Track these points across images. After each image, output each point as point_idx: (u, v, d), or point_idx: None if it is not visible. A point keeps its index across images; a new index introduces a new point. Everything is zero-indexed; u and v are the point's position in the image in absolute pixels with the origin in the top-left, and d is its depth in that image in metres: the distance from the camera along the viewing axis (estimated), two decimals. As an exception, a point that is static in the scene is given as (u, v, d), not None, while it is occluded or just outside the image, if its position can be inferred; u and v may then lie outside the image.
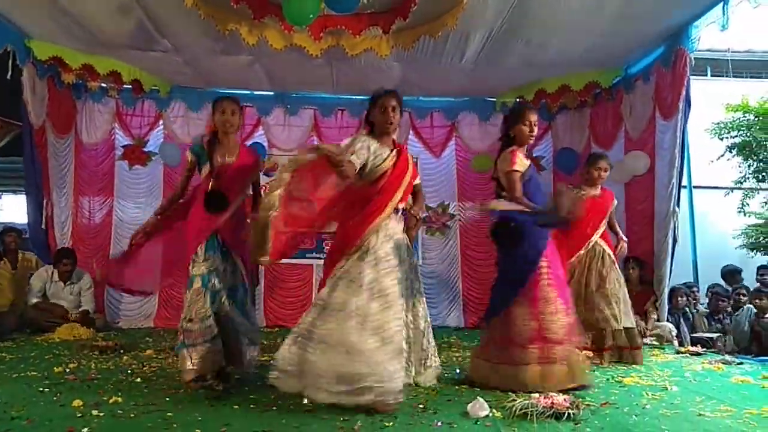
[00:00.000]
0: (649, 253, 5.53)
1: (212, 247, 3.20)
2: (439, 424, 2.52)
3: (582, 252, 4.32)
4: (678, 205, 5.36)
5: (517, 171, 3.37)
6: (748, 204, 8.26)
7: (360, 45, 5.18)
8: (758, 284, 5.93)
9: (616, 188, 5.23)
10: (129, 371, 3.66)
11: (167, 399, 2.92)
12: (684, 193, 5.89)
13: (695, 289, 6.13)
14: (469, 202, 7.21)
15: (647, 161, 5.68)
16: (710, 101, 7.68)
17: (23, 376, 3.46)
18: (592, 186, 4.43)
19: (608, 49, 5.62)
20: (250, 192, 3.54)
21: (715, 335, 5.42)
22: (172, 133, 6.87)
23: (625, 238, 4.62)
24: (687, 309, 5.78)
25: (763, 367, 4.06)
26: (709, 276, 6.42)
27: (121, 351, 4.41)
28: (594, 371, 3.73)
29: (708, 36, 5.17)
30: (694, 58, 5.15)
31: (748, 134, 7.84)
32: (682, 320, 5.62)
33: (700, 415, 2.73)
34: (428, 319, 3.40)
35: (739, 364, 4.19)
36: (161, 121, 6.92)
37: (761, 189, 8.32)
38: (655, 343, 5.11)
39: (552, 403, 2.63)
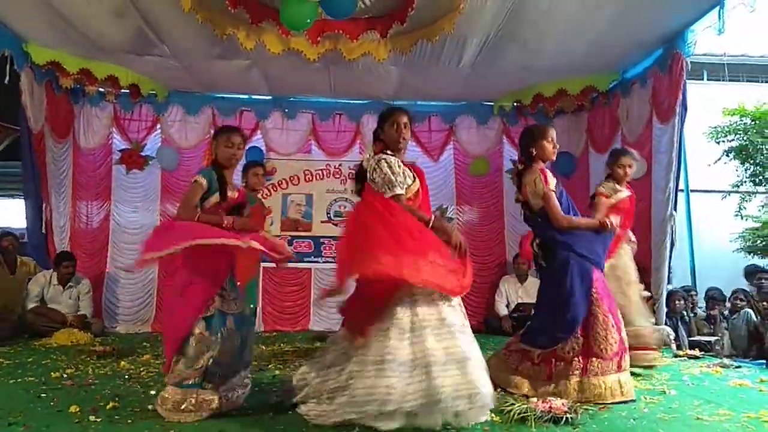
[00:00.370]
0: (646, 256, 5.53)
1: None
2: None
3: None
4: (675, 209, 5.37)
5: (553, 191, 3.32)
6: (745, 207, 8.27)
7: (357, 49, 5.20)
8: (755, 288, 5.95)
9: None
10: (126, 376, 3.65)
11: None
12: (681, 196, 5.91)
13: (693, 292, 6.15)
14: (467, 206, 7.22)
15: (644, 165, 5.68)
16: (707, 105, 7.73)
17: (20, 382, 3.45)
18: (620, 183, 4.21)
19: (605, 53, 5.64)
20: None
21: (713, 339, 5.43)
22: (170, 137, 6.87)
23: (634, 239, 4.46)
24: (685, 312, 5.79)
25: (761, 371, 4.06)
26: (707, 279, 6.43)
27: (119, 356, 4.39)
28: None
29: (704, 40, 5.18)
30: (691, 62, 5.17)
31: (745, 138, 7.86)
32: (680, 324, 5.62)
33: (698, 419, 2.74)
34: None
35: (737, 367, 4.20)
36: (159, 126, 6.91)
37: (758, 192, 8.34)
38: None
39: (550, 407, 2.64)
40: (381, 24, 4.85)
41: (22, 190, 6.25)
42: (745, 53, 10.46)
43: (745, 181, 8.11)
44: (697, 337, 5.51)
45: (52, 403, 2.90)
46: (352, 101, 7.00)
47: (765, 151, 7.84)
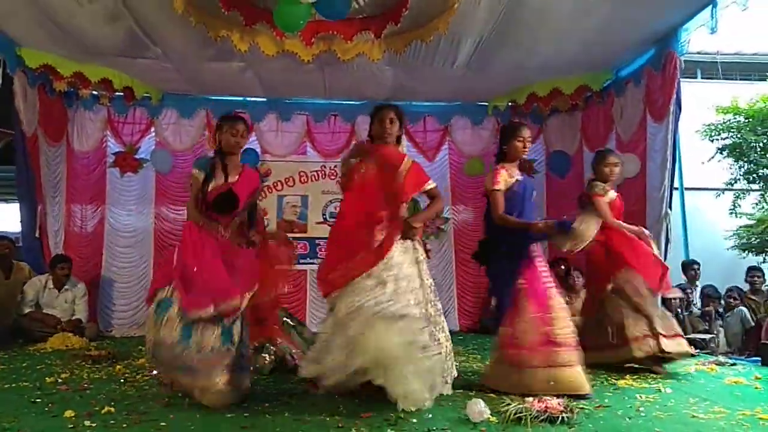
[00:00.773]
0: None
1: None
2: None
3: None
4: (670, 207, 5.38)
5: (497, 190, 3.51)
6: (739, 205, 8.31)
7: (352, 50, 5.19)
8: (749, 285, 5.99)
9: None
10: (122, 381, 3.63)
11: (160, 409, 2.90)
12: (676, 194, 5.92)
13: (688, 290, 6.16)
14: (462, 206, 7.22)
15: (638, 164, 5.69)
16: (700, 103, 7.73)
17: (15, 387, 3.42)
18: (607, 182, 4.27)
19: (599, 52, 5.65)
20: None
21: (708, 336, 5.44)
22: (164, 140, 6.85)
23: (647, 233, 4.43)
24: (680, 310, 5.80)
25: (757, 368, 4.08)
26: (702, 277, 6.45)
27: (114, 360, 4.36)
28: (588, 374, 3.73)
29: (697, 39, 5.22)
30: (684, 61, 5.19)
31: (739, 136, 7.90)
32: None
33: (693, 416, 2.75)
34: None
35: (732, 365, 4.21)
36: (153, 129, 6.89)
37: (752, 190, 8.38)
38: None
39: (546, 407, 2.64)
40: (375, 24, 4.85)
41: (16, 194, 6.22)
42: (738, 51, 10.50)
43: (739, 179, 8.15)
44: (693, 335, 5.52)
45: (46, 408, 2.88)
46: (346, 102, 6.99)
47: (758, 149, 7.88)
